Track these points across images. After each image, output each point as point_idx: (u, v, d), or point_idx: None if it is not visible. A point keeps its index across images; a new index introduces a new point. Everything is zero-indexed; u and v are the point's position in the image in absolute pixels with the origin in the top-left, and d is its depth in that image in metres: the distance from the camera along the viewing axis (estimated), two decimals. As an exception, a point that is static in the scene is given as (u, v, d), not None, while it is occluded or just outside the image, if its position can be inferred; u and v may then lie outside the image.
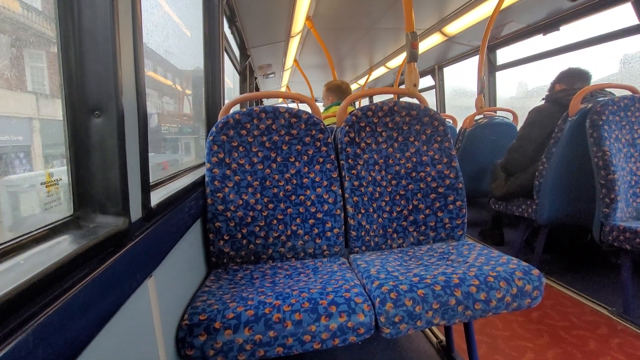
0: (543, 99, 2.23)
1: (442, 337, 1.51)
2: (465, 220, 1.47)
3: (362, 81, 6.60)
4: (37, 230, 0.56)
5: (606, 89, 2.02)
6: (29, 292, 0.42)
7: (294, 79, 6.48)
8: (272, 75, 5.32)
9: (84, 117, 0.60)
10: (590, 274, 2.12)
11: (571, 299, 1.83)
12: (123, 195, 0.64)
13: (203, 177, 1.33)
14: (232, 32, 3.22)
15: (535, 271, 1.07)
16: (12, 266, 0.46)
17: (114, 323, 0.57)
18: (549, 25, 2.92)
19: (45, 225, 0.58)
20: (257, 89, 5.87)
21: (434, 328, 1.60)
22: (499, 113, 3.27)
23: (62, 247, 0.54)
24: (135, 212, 0.68)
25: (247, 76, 4.03)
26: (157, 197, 0.88)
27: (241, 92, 4.18)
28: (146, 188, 0.73)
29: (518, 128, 2.92)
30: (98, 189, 0.63)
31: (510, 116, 3.19)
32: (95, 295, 0.51)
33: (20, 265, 0.46)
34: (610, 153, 1.72)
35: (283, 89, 7.01)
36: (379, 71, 5.70)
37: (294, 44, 3.95)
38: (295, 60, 4.86)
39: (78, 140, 0.61)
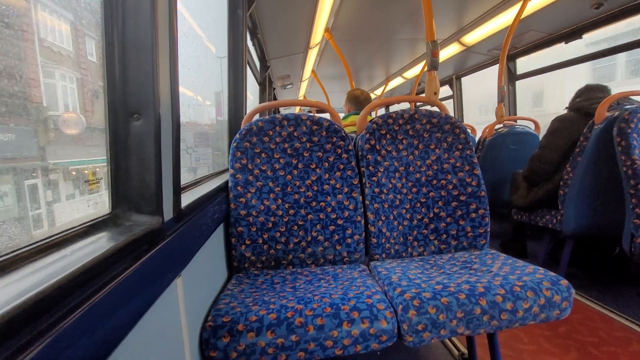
0: (566, 108, 2.19)
1: (465, 350, 1.47)
2: (488, 229, 1.44)
3: (378, 91, 6.63)
4: (79, 225, 0.59)
5: (632, 97, 1.97)
6: (75, 283, 0.44)
7: (311, 89, 6.56)
8: (290, 86, 5.41)
9: (124, 120, 0.64)
10: (620, 288, 2.03)
11: (600, 314, 1.76)
12: (157, 195, 0.66)
13: (226, 182, 1.36)
14: (254, 44, 3.31)
15: (564, 281, 1.03)
16: (61, 257, 0.48)
17: (145, 320, 0.58)
18: (571, 33, 2.88)
19: (85, 222, 0.61)
20: (275, 100, 5.98)
21: (456, 340, 1.56)
22: (520, 122, 3.22)
23: (102, 242, 0.56)
24: (168, 212, 0.71)
25: (266, 87, 4.12)
26: (185, 199, 0.91)
27: (261, 102, 4.26)
28: (178, 189, 0.76)
29: (540, 137, 2.86)
30: (134, 188, 0.66)
31: (532, 125, 3.13)
32: (131, 291, 0.53)
33: (67, 256, 0.49)
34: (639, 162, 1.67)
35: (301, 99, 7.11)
36: (396, 81, 5.71)
37: (312, 55, 4.02)
38: (313, 71, 4.93)
39: (118, 141, 0.65)
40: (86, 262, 0.46)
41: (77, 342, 0.41)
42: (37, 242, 0.50)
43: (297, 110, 7.41)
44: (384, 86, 6.09)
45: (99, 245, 0.54)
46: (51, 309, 0.40)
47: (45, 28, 0.79)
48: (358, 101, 2.51)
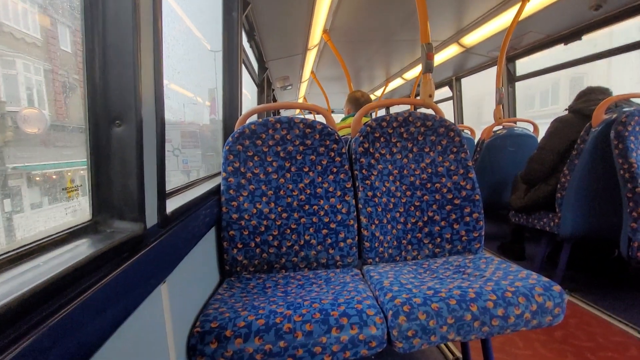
0: (566, 110, 2.18)
1: (459, 354, 1.46)
2: (483, 233, 1.43)
3: (378, 92, 6.62)
4: (57, 233, 0.58)
5: (631, 99, 1.96)
6: (46, 293, 0.43)
7: (311, 90, 6.56)
8: (290, 87, 5.40)
9: (105, 126, 0.63)
10: (618, 292, 2.02)
11: (597, 318, 1.74)
12: (139, 201, 0.66)
13: (219, 185, 1.36)
14: (251, 46, 3.30)
15: (557, 287, 1.02)
16: (32, 267, 0.48)
17: (126, 327, 0.58)
18: (571, 35, 2.86)
19: (65, 229, 0.61)
20: (275, 101, 5.98)
21: (451, 345, 1.55)
22: (518, 124, 3.20)
23: (80, 250, 0.56)
24: (151, 219, 0.70)
25: (264, 88, 4.11)
26: (173, 204, 0.90)
27: (259, 104, 4.26)
28: (162, 195, 0.75)
29: (539, 139, 2.84)
30: (116, 195, 0.65)
31: (530, 127, 3.11)
32: (110, 299, 0.53)
33: (40, 266, 0.48)
34: (637, 165, 1.65)
35: (300, 101, 7.10)
36: (396, 82, 5.70)
37: (311, 57, 4.01)
38: (312, 72, 4.93)
39: (99, 148, 0.64)
40: (58, 271, 0.45)
41: (47, 353, 0.40)
42: (11, 250, 0.49)
43: (297, 112, 7.39)
44: (384, 87, 6.08)
45: (76, 253, 0.54)
46: (18, 320, 0.39)
47: (5, 11, 0.71)
48: (358, 103, 2.51)
